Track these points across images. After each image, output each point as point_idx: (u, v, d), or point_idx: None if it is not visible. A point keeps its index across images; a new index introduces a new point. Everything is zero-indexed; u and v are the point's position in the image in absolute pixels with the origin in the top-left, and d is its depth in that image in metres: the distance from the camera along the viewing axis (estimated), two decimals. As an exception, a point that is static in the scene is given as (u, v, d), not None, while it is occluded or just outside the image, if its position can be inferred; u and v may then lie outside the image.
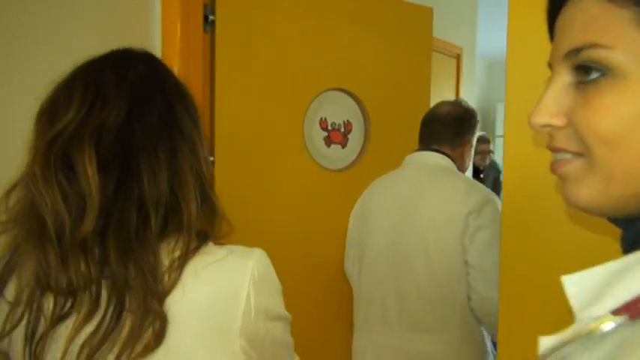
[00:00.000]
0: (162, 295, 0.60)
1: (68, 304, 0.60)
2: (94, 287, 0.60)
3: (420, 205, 1.46)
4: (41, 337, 0.60)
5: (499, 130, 5.76)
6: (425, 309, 1.41)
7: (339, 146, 1.90)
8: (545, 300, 0.94)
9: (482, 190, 1.46)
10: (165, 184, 0.63)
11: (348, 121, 1.90)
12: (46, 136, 0.62)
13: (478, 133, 1.65)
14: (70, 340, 0.59)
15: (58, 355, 0.60)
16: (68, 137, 0.61)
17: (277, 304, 0.70)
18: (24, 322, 0.62)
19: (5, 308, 0.64)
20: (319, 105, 1.82)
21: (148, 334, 0.58)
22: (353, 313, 1.65)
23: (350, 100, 1.91)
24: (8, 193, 0.64)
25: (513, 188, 1.00)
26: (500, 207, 1.24)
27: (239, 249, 0.67)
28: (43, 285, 0.61)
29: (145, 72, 0.69)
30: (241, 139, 1.67)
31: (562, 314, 0.93)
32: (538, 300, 0.98)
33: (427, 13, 2.02)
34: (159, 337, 0.59)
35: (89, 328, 0.59)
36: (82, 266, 0.59)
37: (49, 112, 0.65)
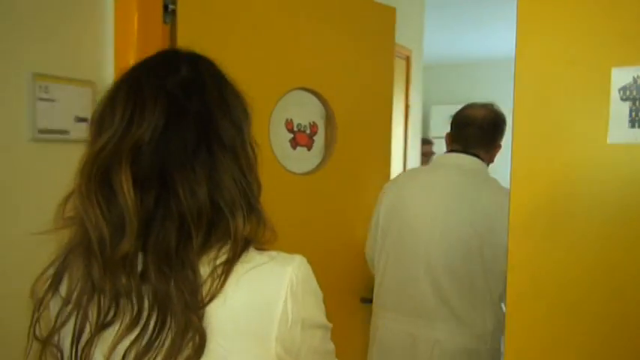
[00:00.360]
0: (201, 307, 0.61)
1: (111, 313, 0.62)
2: (135, 299, 0.62)
3: (459, 207, 1.50)
4: (87, 343, 0.63)
5: (434, 131, 5.94)
6: (461, 303, 1.47)
7: (305, 148, 1.81)
8: (553, 303, 0.96)
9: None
10: (205, 197, 0.63)
11: (313, 122, 1.82)
12: (91, 149, 0.64)
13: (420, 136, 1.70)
14: (114, 346, 0.61)
15: None
16: (108, 154, 0.63)
17: (315, 312, 0.69)
18: (72, 322, 0.65)
19: (59, 303, 0.67)
20: (285, 105, 1.72)
21: (189, 348, 0.60)
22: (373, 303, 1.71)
23: (315, 100, 1.83)
24: (66, 200, 0.68)
25: (521, 192, 0.97)
26: None
27: (280, 256, 0.68)
28: (89, 291, 0.63)
29: (186, 77, 0.68)
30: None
31: (570, 315, 0.94)
32: (545, 304, 0.98)
33: (390, 13, 1.98)
34: (198, 351, 0.60)
35: (131, 337, 0.61)
36: (124, 280, 0.61)
37: (98, 123, 0.66)
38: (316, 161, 1.85)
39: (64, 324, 0.66)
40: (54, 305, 0.69)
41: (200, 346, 0.60)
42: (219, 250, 0.64)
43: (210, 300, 0.62)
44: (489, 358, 1.50)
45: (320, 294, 0.71)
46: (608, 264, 0.91)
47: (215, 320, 0.62)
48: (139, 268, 0.63)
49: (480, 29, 5.34)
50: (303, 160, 1.81)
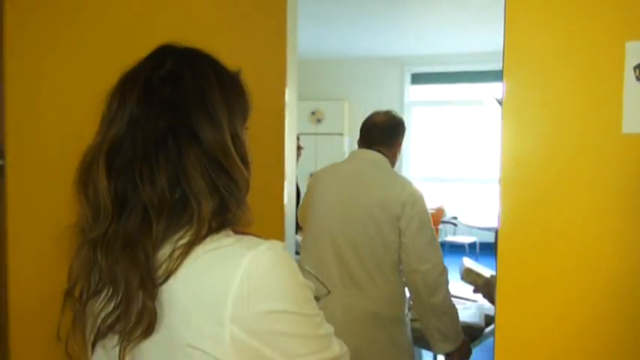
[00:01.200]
0: (155, 287, 0.65)
1: (99, 286, 0.70)
2: (108, 277, 0.68)
3: (365, 190, 1.81)
4: (84, 304, 0.72)
5: (301, 128, 5.84)
6: (362, 271, 1.76)
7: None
8: (542, 300, 0.91)
9: (413, 186, 1.84)
10: (164, 187, 0.67)
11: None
12: (88, 147, 0.72)
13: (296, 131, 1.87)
14: (97, 314, 0.70)
15: (90, 322, 0.72)
16: (92, 147, 0.70)
17: (280, 298, 0.68)
18: (79, 284, 0.72)
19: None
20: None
21: (144, 324, 0.65)
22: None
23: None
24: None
25: (511, 192, 0.80)
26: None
27: (249, 239, 0.69)
28: (86, 268, 0.71)
29: (167, 70, 0.71)
30: (41, 140, 1.13)
31: (558, 312, 0.82)
32: (535, 301, 0.93)
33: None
34: (149, 329, 0.65)
35: (108, 309, 0.68)
36: (100, 259, 0.68)
37: (101, 119, 0.72)
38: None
39: (73, 289, 0.73)
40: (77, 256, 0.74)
41: (151, 323, 0.65)
42: (184, 232, 0.67)
43: (165, 279, 0.65)
44: (392, 321, 1.78)
45: (293, 280, 0.69)
46: (603, 261, 0.80)
47: (170, 297, 0.66)
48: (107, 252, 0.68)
49: (345, 27, 5.34)
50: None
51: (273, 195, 1.63)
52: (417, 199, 1.77)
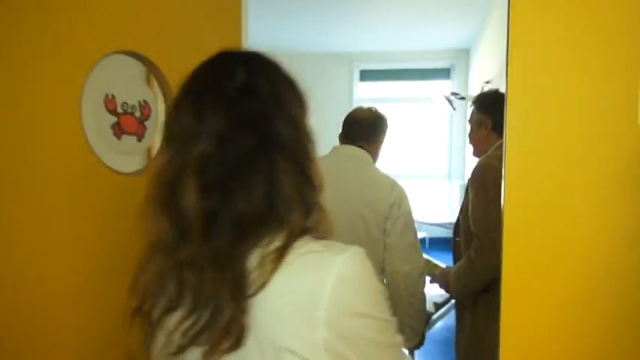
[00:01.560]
0: (247, 298, 0.65)
1: (174, 302, 0.70)
2: (192, 292, 0.68)
3: (353, 189, 1.77)
4: (156, 322, 0.72)
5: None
6: None
7: (135, 138, 1.31)
8: (547, 298, 0.88)
9: (400, 186, 1.83)
10: (260, 202, 0.67)
11: (145, 101, 1.32)
12: (161, 160, 0.71)
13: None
14: (174, 329, 0.69)
15: (163, 338, 0.72)
16: (175, 166, 0.68)
17: (367, 304, 0.69)
18: (147, 305, 0.74)
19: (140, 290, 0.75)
20: (103, 75, 1.20)
21: (233, 336, 0.65)
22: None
23: (146, 71, 1.34)
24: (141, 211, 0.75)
25: (515, 191, 0.73)
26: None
27: (335, 245, 0.70)
28: (159, 284, 0.71)
29: (242, 82, 0.70)
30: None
31: (563, 310, 0.78)
32: (539, 300, 0.90)
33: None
34: (239, 341, 0.65)
35: (187, 324, 0.68)
36: (188, 276, 0.68)
37: (166, 133, 0.72)
38: (150, 155, 1.36)
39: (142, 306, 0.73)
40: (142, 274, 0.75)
41: (239, 337, 0.65)
42: (272, 238, 0.67)
43: (259, 288, 0.65)
44: None
45: (375, 287, 0.70)
46: (604, 259, 0.76)
47: (268, 304, 0.66)
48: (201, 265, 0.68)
49: (293, 22, 5.23)
50: (132, 154, 1.31)
51: None
52: (403, 199, 1.78)
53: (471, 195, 1.81)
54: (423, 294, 1.79)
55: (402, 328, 1.82)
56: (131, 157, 1.32)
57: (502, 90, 4.22)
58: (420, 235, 5.85)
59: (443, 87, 6.02)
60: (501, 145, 2.03)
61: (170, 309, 0.70)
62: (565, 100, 0.76)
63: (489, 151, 1.89)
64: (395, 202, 1.76)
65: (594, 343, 0.82)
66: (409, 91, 6.74)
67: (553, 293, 0.83)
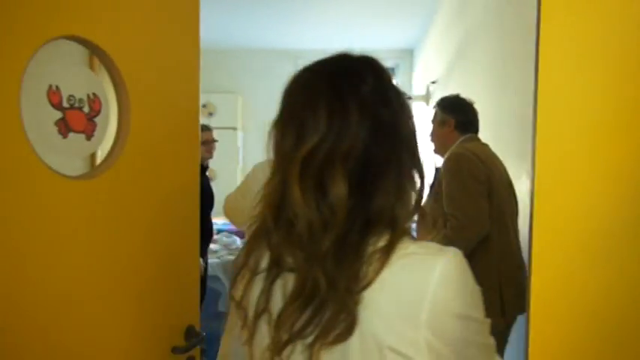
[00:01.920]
0: (359, 291, 0.68)
1: (289, 287, 0.73)
2: (310, 280, 0.69)
3: None
4: (262, 309, 0.75)
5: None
6: None
7: (83, 136, 1.15)
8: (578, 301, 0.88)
9: None
10: (393, 202, 0.71)
11: (94, 95, 1.17)
12: (296, 151, 0.71)
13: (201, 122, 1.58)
14: (286, 318, 0.71)
15: (267, 325, 0.75)
16: (321, 160, 0.70)
17: (467, 305, 0.70)
18: (256, 290, 0.77)
19: (247, 275, 0.79)
20: (46, 64, 1.04)
21: (341, 326, 0.67)
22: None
23: (94, 60, 1.18)
24: (263, 192, 0.77)
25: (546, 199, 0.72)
26: None
27: (435, 246, 0.72)
28: (277, 265, 0.74)
29: (374, 88, 0.74)
30: None
31: (594, 314, 0.80)
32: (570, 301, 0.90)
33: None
34: (349, 330, 0.67)
35: (298, 311, 0.71)
36: (310, 264, 0.70)
37: (296, 125, 0.73)
38: (101, 156, 1.21)
39: (249, 291, 0.78)
40: (242, 276, 0.80)
41: (350, 327, 0.67)
42: (379, 237, 0.70)
43: (368, 285, 0.68)
44: None
45: (475, 288, 0.71)
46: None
47: (372, 302, 0.68)
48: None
49: (237, 17, 5.06)
50: (79, 155, 1.15)
51: (189, 194, 1.37)
52: None
53: (446, 180, 1.95)
54: None
55: None
56: (79, 159, 1.17)
57: (448, 90, 4.28)
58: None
59: (388, 86, 6.07)
60: (465, 140, 2.17)
61: (284, 301, 0.72)
62: (596, 101, 0.73)
63: (453, 147, 2.09)
64: None
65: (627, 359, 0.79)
66: (354, 90, 6.75)
67: (585, 308, 0.80)
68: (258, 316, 0.75)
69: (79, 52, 1.15)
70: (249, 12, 5.04)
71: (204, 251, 3.17)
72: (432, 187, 2.20)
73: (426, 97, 5.00)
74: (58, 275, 1.06)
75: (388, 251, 0.68)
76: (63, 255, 1.07)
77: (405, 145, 0.74)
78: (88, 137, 1.15)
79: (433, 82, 4.78)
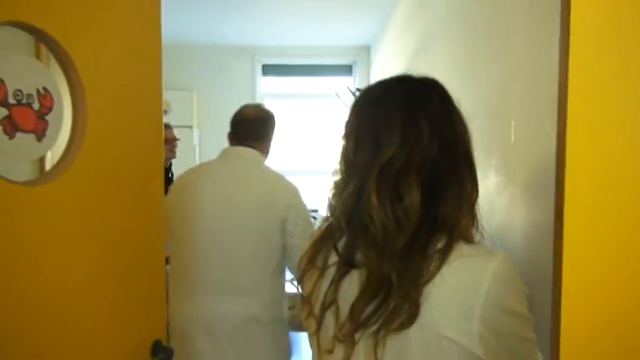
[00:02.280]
0: (421, 285, 0.76)
1: (358, 282, 0.80)
2: (379, 275, 0.78)
3: (247, 193, 1.73)
4: (330, 302, 0.83)
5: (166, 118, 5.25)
6: (243, 277, 1.71)
7: (33, 136, 1.01)
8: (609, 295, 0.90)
9: (293, 185, 1.82)
10: (454, 209, 0.79)
11: (45, 89, 1.03)
12: (374, 161, 0.80)
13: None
14: (356, 306, 0.79)
15: (333, 316, 0.82)
16: (397, 170, 0.79)
17: (515, 301, 0.78)
18: (324, 285, 0.84)
19: (316, 273, 0.87)
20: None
21: (404, 315, 0.75)
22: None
23: (42, 50, 1.05)
24: (338, 196, 0.86)
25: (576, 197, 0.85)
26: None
27: (486, 249, 0.81)
28: (346, 263, 0.82)
29: (439, 105, 0.84)
30: None
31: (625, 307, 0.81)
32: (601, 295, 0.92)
33: None
34: (411, 319, 0.75)
35: (366, 300, 0.78)
36: (381, 261, 0.78)
37: (371, 138, 0.82)
38: (53, 159, 1.08)
39: (319, 286, 0.85)
40: (311, 273, 0.88)
41: (413, 315, 0.75)
42: (438, 237, 0.79)
43: (429, 280, 0.75)
44: (274, 323, 1.77)
45: (521, 287, 0.79)
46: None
47: (432, 296, 0.75)
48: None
49: (191, 11, 4.88)
50: (28, 158, 1.02)
51: (154, 201, 1.26)
52: (297, 198, 1.80)
53: None
54: None
55: None
56: (28, 162, 1.03)
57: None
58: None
59: (345, 83, 6.00)
60: None
61: (351, 294, 0.80)
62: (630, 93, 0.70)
63: None
64: (291, 203, 1.76)
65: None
66: (313, 86, 6.66)
67: (616, 310, 0.79)
68: (325, 308, 0.82)
69: (25, 41, 1.02)
70: (204, 7, 4.87)
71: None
72: None
73: (386, 94, 4.98)
74: (3, 294, 0.93)
75: (447, 252, 0.76)
76: (8, 270, 0.94)
77: (466, 160, 0.83)
78: (39, 137, 1.02)
79: (393, 79, 4.77)
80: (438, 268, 0.75)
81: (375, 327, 0.76)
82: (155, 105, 1.35)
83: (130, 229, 1.23)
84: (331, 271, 0.84)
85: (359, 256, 0.81)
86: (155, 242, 1.31)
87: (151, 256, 1.30)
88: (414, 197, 0.77)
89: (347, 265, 0.82)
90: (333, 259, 0.84)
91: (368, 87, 0.90)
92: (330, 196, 0.88)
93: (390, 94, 0.86)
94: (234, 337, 1.71)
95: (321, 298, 0.84)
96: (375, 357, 0.76)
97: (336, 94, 4.99)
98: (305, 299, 0.88)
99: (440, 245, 0.77)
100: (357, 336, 0.79)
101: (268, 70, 6.58)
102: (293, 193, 1.82)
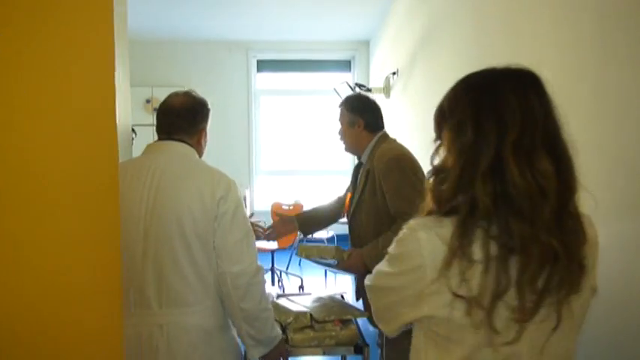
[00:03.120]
0: (582, 245, 0.87)
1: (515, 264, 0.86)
2: (543, 247, 0.84)
3: (177, 194, 1.54)
4: (503, 290, 0.85)
5: (135, 118, 5.05)
6: (183, 286, 1.52)
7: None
8: None
9: (227, 178, 1.60)
10: (574, 173, 0.90)
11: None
12: (505, 136, 0.87)
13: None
14: (527, 282, 0.85)
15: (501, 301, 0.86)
16: (527, 144, 0.87)
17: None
18: (489, 273, 0.86)
19: (463, 264, 0.87)
20: None
21: (575, 277, 0.86)
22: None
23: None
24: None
25: None
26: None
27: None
28: (507, 249, 0.85)
29: (542, 91, 0.92)
30: None
31: None
32: None
33: None
34: (581, 280, 0.86)
35: (538, 273, 0.85)
36: (540, 233, 0.85)
37: (494, 119, 0.89)
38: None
39: (472, 278, 0.87)
40: (455, 267, 0.88)
41: (583, 274, 0.87)
42: (573, 200, 0.92)
43: (585, 240, 0.88)
44: (219, 331, 1.59)
45: None
46: None
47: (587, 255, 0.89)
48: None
49: (183, 5, 4.69)
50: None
51: (106, 199, 1.08)
52: (229, 192, 1.57)
53: (391, 180, 1.97)
54: (261, 297, 1.58)
55: (242, 337, 1.59)
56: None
57: (412, 80, 4.03)
58: (329, 233, 5.63)
59: (344, 79, 5.82)
60: (381, 138, 2.12)
61: (514, 277, 0.85)
62: None
63: (371, 146, 2.13)
64: (222, 195, 1.54)
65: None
66: (308, 82, 6.47)
67: None
68: (498, 296, 0.84)
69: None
70: (197, 2, 4.68)
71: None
72: (356, 186, 2.17)
73: (386, 89, 4.81)
74: None
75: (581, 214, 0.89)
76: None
77: (563, 139, 0.91)
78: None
79: (394, 73, 4.59)
80: (586, 230, 0.87)
81: (553, 296, 0.85)
82: (107, 102, 1.15)
83: (89, 218, 1.04)
84: (488, 261, 0.86)
85: (511, 241, 0.85)
86: (109, 230, 1.12)
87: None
88: (546, 164, 0.85)
89: (502, 250, 0.85)
90: (480, 249, 0.86)
91: (473, 73, 0.97)
92: (441, 186, 0.92)
93: (502, 81, 0.93)
94: (175, 351, 1.52)
95: (485, 288, 0.85)
96: (556, 323, 0.86)
97: (335, 89, 4.82)
98: (455, 295, 0.87)
99: (575, 206, 0.87)
100: (541, 310, 0.85)
101: (263, 65, 6.38)
102: (224, 186, 1.58)
